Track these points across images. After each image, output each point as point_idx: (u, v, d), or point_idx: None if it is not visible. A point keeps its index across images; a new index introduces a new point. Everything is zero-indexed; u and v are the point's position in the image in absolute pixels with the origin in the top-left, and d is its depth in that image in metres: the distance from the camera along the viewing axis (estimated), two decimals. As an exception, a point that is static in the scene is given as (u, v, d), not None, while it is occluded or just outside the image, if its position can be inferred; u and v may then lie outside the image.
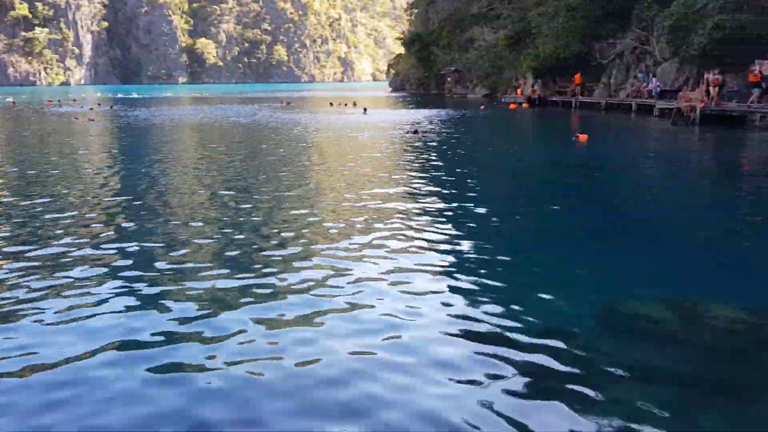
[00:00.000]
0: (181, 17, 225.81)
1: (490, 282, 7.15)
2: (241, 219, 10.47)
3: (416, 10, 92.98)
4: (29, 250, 8.63)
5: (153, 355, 5.42)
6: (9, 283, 7.29)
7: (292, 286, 7.02)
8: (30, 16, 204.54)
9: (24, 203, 12.12)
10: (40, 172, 16.56)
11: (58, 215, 10.97)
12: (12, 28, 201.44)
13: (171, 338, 5.73)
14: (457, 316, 6.13)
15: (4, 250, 8.70)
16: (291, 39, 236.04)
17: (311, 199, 12.24)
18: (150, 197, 12.72)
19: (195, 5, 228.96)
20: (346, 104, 53.97)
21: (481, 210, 11.09)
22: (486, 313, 6.21)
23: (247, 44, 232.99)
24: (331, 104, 54.86)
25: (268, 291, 6.88)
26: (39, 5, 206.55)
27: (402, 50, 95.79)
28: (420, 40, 79.98)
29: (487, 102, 53.57)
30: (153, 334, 5.81)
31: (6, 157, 20.30)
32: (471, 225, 9.95)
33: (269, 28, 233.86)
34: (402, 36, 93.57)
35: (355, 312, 6.25)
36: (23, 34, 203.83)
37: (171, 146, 23.86)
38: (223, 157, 19.42)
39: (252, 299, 6.62)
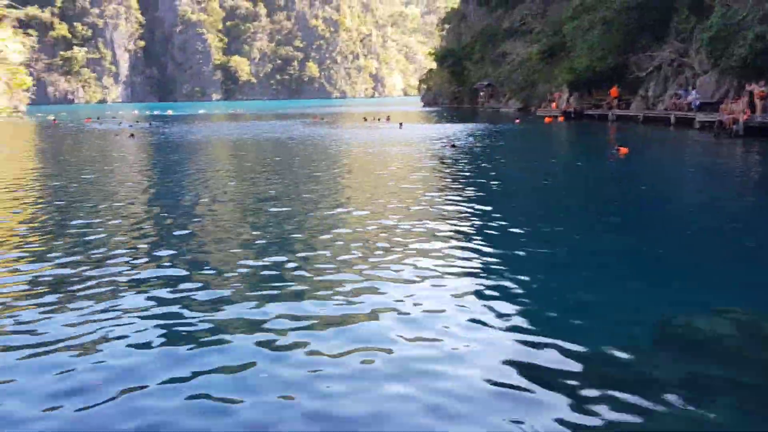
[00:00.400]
0: (216, 35, 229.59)
1: (537, 302, 7.04)
2: (276, 235, 10.54)
3: (448, 26, 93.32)
4: (70, 269, 8.79)
5: (191, 379, 5.41)
6: (48, 300, 7.44)
7: (329, 307, 6.93)
8: (69, 35, 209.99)
9: (70, 221, 12.39)
10: (82, 188, 16.91)
11: (98, 233, 11.18)
12: (52, 48, 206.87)
13: (210, 361, 5.71)
14: (506, 337, 6.02)
15: (45, 266, 8.88)
16: (323, 55, 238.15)
17: (350, 215, 12.26)
18: (188, 213, 12.90)
19: (229, 23, 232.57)
20: (379, 119, 54.16)
21: (522, 226, 10.97)
22: (537, 334, 6.08)
23: (279, 61, 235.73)
24: (365, 119, 55.08)
25: (304, 314, 6.74)
26: (78, 25, 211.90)
27: (434, 65, 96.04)
28: (452, 54, 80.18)
29: (521, 116, 53.33)
30: (190, 354, 5.81)
31: (50, 174, 20.78)
32: (511, 242, 9.80)
33: (301, 44, 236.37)
34: (434, 51, 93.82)
35: (398, 342, 6.02)
36: (62, 53, 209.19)
37: (209, 162, 24.18)
38: (260, 173, 19.60)
39: (287, 322, 6.53)
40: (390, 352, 5.75)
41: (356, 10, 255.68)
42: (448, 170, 19.20)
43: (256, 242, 10.07)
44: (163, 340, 6.13)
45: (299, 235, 10.44)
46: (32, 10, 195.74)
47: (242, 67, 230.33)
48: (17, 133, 46.30)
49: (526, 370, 5.34)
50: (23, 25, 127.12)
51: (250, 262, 8.82)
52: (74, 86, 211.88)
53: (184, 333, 6.28)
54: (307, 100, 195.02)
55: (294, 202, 13.86)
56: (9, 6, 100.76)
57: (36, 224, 11.95)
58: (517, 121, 46.28)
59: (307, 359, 5.63)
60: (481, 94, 74.99)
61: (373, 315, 6.66)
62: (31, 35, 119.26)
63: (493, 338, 6.02)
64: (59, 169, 22.16)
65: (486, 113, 63.03)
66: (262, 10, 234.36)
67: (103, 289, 7.63)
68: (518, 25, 62.76)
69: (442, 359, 5.57)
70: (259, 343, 5.97)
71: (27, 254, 9.57)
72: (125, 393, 5.06)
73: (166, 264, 8.83)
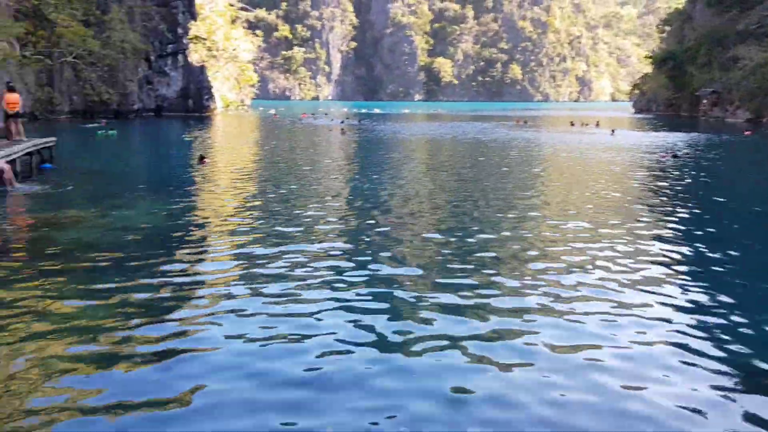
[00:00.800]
0: (422, 37, 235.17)
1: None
2: (472, 242, 10.18)
3: (669, 27, 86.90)
4: (276, 251, 9.12)
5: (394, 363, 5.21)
6: (258, 288, 7.67)
7: (535, 328, 6.41)
8: (290, 36, 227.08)
9: (284, 209, 13.05)
10: (298, 177, 17.89)
11: (305, 222, 11.60)
12: (275, 48, 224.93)
13: (425, 372, 5.51)
14: (732, 391, 5.14)
15: (255, 253, 9.28)
16: (527, 57, 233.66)
17: (552, 225, 11.54)
18: (387, 209, 13.05)
19: (436, 25, 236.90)
20: (587, 124, 51.91)
21: (754, 255, 9.57)
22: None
23: (482, 63, 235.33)
24: (572, 124, 53.03)
25: (508, 332, 6.32)
26: (299, 27, 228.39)
27: (649, 69, 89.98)
28: (673, 58, 74.44)
29: (752, 127, 47.96)
30: (404, 364, 5.65)
31: (273, 161, 22.28)
32: (739, 274, 8.53)
33: (506, 46, 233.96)
34: (652, 54, 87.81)
35: (609, 375, 5.45)
36: (283, 53, 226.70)
37: (411, 160, 24.50)
38: (461, 174, 19.41)
39: (490, 336, 6.17)
40: (601, 387, 5.17)
41: (567, 11, 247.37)
42: (667, 183, 17.60)
43: (449, 246, 9.77)
44: (367, 339, 6.07)
45: (497, 248, 9.90)
46: (260, 13, 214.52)
47: (445, 68, 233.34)
48: (244, 124, 50.83)
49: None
50: (251, 26, 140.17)
51: (442, 266, 8.58)
52: (292, 83, 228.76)
53: (393, 335, 6.16)
54: (508, 103, 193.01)
55: (496, 207, 13.42)
56: (242, 9, 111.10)
57: (254, 207, 12.75)
58: (748, 132, 41.64)
59: (512, 383, 5.24)
60: (704, 101, 68.73)
61: (577, 342, 6.05)
62: (258, 36, 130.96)
63: (718, 389, 5.16)
64: (282, 157, 23.73)
65: (708, 123, 57.65)
66: (469, 12, 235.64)
67: (305, 281, 7.81)
68: (754, 27, 56.52)
69: (664, 409, 4.86)
70: (463, 354, 5.70)
71: (237, 239, 10.16)
72: (341, 392, 5.00)
73: (365, 259, 8.91)
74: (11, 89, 20.18)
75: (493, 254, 9.19)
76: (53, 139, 20.95)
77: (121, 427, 4.42)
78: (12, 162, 16.04)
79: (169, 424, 4.48)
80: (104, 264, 8.48)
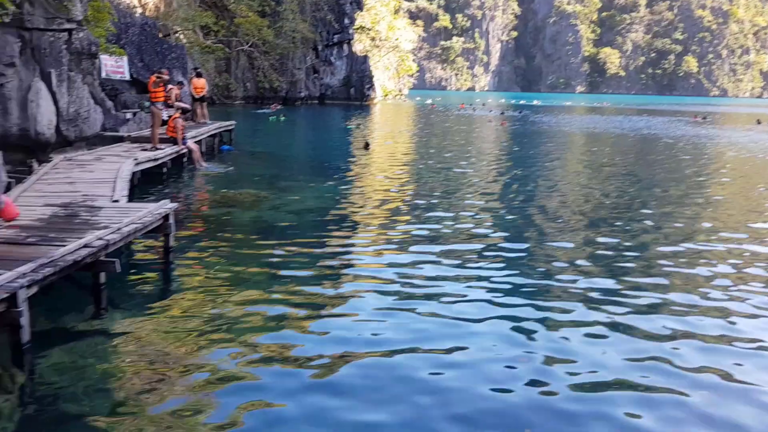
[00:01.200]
0: (588, 27, 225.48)
1: None
2: (630, 252, 9.32)
3: None
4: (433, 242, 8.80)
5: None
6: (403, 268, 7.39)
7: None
8: (450, 26, 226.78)
9: (435, 200, 12.75)
10: (465, 166, 17.57)
11: (456, 217, 11.21)
12: (433, 38, 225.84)
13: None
14: None
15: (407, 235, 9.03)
16: (704, 49, 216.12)
17: (742, 234, 10.29)
18: (542, 209, 12.34)
19: (604, 14, 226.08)
20: (777, 122, 47.17)
21: None
22: None
23: (653, 54, 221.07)
24: (759, 122, 48.36)
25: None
26: (459, 17, 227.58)
27: None
28: None
29: None
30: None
31: (438, 151, 22.15)
32: None
33: (680, 37, 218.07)
34: None
35: None
36: (442, 43, 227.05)
37: (574, 154, 23.38)
38: (636, 171, 18.20)
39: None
40: None
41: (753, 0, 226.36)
42: None
43: (611, 253, 8.97)
44: (522, 351, 5.64)
45: (666, 260, 8.87)
46: (422, 3, 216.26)
47: (612, 59, 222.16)
48: (403, 113, 51.45)
49: None
50: (412, 16, 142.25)
51: (603, 275, 7.86)
52: (448, 74, 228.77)
53: (552, 350, 5.70)
54: (680, 97, 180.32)
55: (669, 213, 12.35)
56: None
57: (417, 196, 12.64)
58: None
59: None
60: None
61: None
62: (418, 26, 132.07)
63: None
64: (443, 147, 23.57)
65: None
66: (641, 0, 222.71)
67: (463, 284, 7.49)
68: None
69: None
70: (623, 377, 5.18)
71: (399, 232, 10.04)
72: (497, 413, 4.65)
73: (519, 260, 8.47)
74: (199, 75, 21.65)
75: (662, 267, 8.30)
76: (233, 122, 22.19)
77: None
78: (198, 142, 17.15)
79: (309, 422, 4.35)
80: (280, 246, 8.71)
